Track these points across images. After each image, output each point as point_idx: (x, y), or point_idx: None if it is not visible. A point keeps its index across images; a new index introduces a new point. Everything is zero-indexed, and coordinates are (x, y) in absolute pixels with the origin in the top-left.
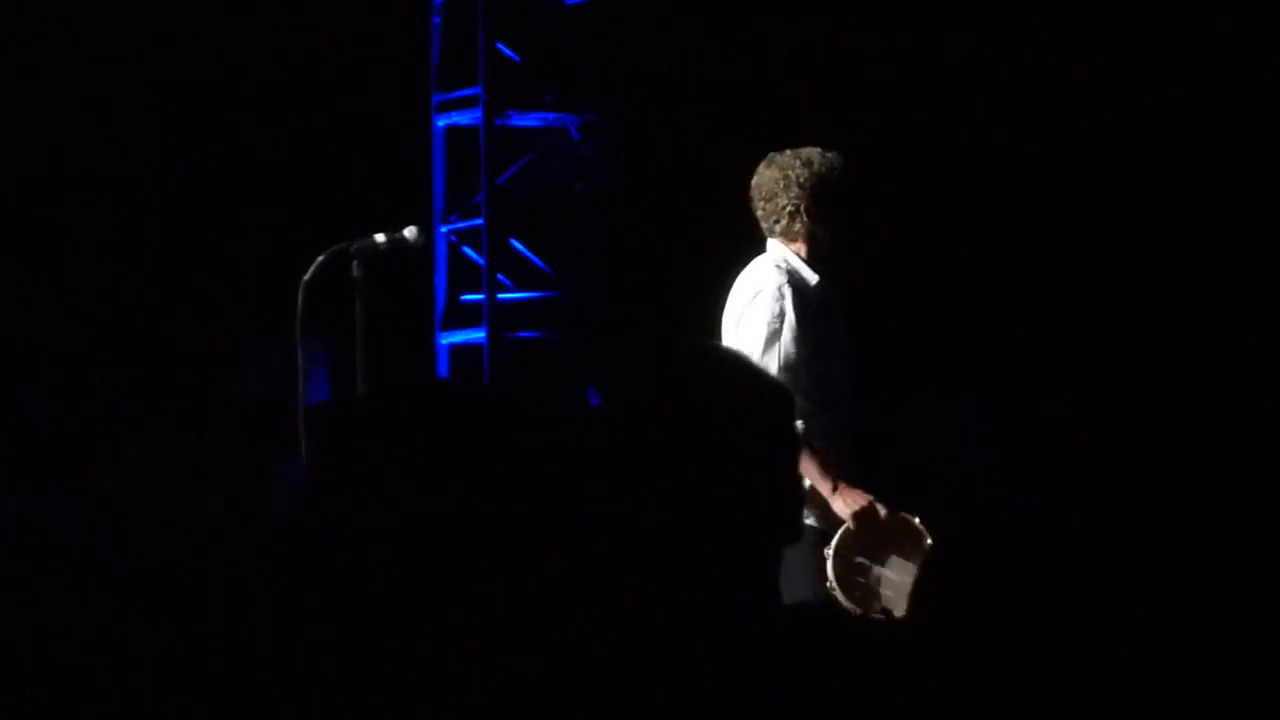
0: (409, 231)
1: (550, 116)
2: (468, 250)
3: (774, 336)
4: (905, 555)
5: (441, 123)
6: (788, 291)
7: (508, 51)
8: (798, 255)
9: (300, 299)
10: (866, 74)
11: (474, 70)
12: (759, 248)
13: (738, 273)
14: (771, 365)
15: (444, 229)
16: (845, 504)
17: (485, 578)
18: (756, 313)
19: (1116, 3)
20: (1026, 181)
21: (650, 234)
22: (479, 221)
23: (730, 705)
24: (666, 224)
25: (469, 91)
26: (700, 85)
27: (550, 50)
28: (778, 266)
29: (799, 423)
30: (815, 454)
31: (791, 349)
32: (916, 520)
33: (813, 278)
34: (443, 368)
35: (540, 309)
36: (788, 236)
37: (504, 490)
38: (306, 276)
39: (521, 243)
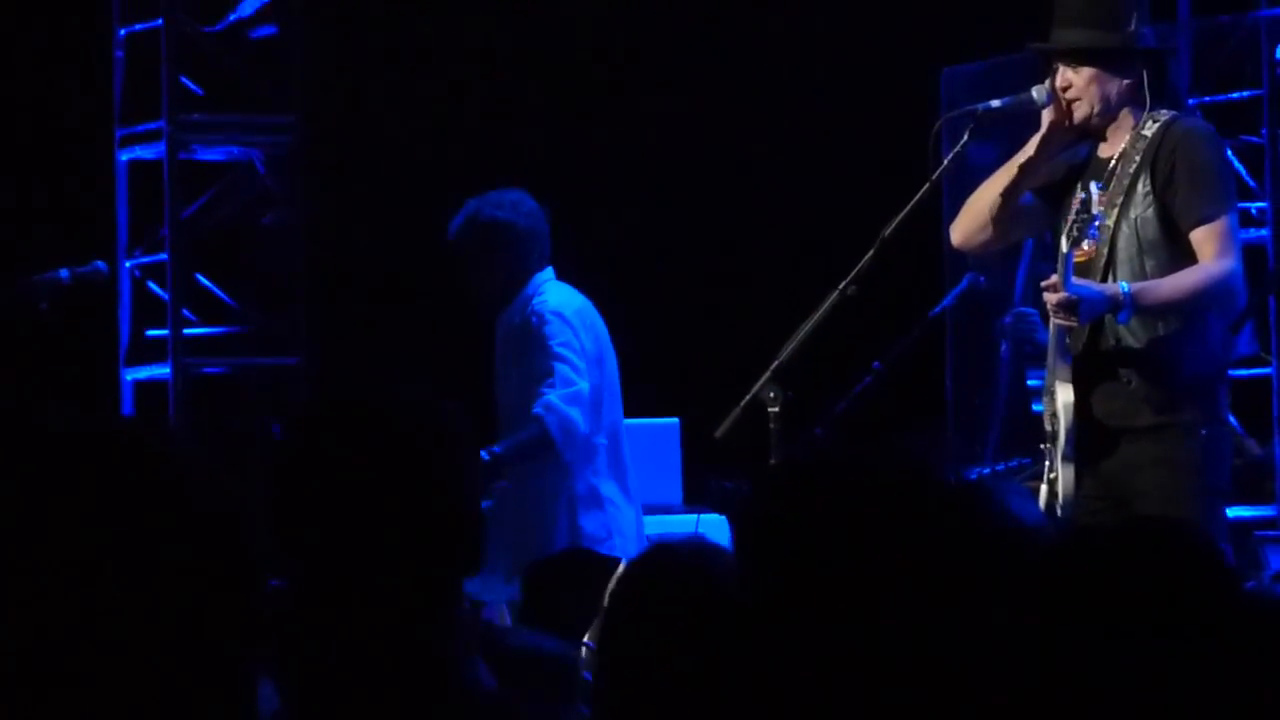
0: (94, 267)
1: (235, 150)
2: (153, 285)
3: None
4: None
5: (125, 156)
6: None
7: (191, 85)
8: None
9: None
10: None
11: (158, 103)
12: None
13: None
14: None
15: (128, 263)
16: None
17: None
18: None
19: None
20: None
21: (340, 266)
22: (163, 256)
23: None
24: (356, 255)
25: (152, 125)
26: (388, 117)
27: (235, 83)
28: None
29: None
30: None
31: None
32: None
33: None
34: (127, 403)
35: (226, 343)
36: None
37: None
38: None
39: (207, 277)
